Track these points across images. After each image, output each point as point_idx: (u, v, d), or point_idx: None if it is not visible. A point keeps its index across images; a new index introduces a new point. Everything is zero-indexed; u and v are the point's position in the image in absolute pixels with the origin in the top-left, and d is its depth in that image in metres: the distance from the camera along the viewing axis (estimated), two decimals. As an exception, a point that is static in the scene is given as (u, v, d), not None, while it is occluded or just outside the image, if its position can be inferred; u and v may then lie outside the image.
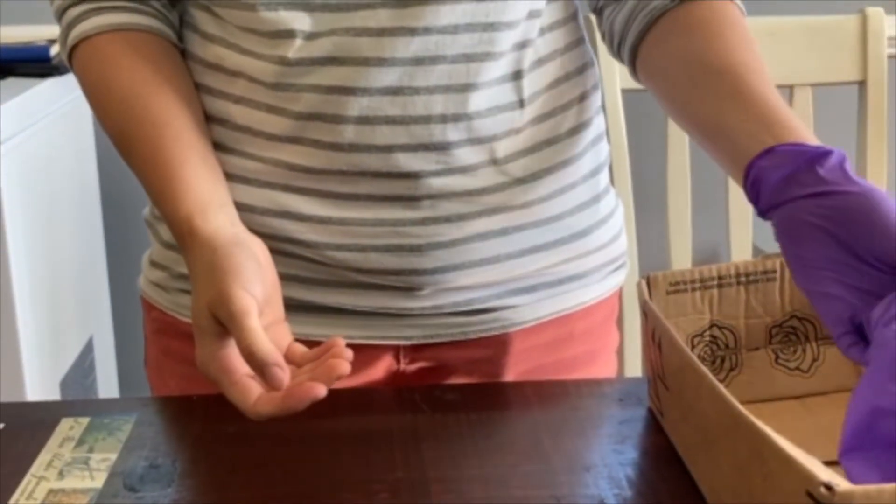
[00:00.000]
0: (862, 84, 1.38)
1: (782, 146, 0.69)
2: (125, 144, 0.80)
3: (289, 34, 0.79)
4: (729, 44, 0.78)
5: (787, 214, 0.68)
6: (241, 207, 0.81)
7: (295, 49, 0.79)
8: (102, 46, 0.82)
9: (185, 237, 0.75)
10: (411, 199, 0.82)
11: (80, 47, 0.83)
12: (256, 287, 0.69)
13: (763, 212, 0.70)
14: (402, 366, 0.89)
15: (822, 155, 0.68)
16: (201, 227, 0.74)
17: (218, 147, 0.83)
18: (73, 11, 0.83)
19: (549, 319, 0.89)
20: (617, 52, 0.87)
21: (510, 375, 0.90)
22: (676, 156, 1.38)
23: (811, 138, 0.71)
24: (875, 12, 1.37)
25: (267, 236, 0.80)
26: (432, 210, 0.82)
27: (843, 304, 0.67)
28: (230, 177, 0.82)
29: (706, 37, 0.79)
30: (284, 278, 0.81)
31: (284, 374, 0.64)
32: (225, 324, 0.67)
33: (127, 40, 0.82)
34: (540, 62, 0.84)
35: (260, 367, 0.64)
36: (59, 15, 0.85)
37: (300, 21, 0.79)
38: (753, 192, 0.70)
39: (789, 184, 0.68)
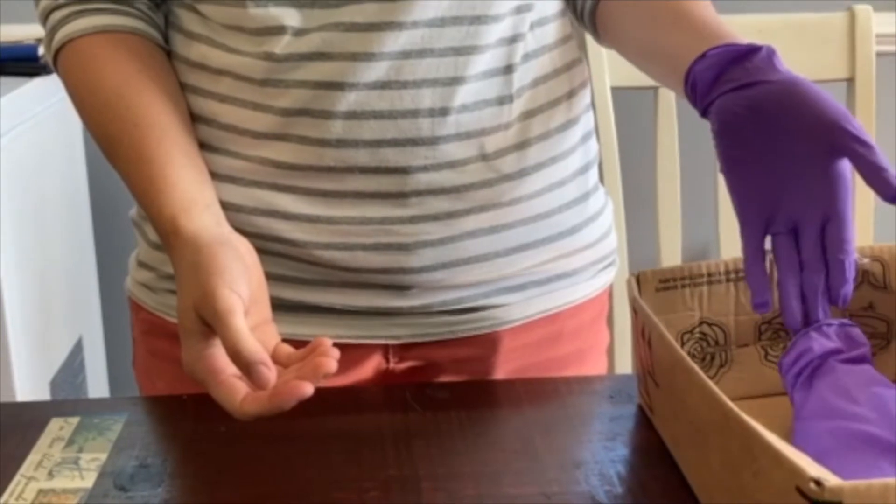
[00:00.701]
0: (850, 81, 1.38)
1: (714, 49, 0.73)
2: (110, 146, 0.80)
3: (278, 30, 0.79)
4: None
5: (718, 108, 0.71)
6: (228, 207, 0.81)
7: (283, 45, 0.79)
8: (86, 49, 0.82)
9: (169, 237, 0.75)
10: (399, 196, 0.81)
11: (64, 50, 0.82)
12: (242, 287, 0.69)
13: (702, 113, 0.73)
14: (391, 365, 0.89)
15: (751, 51, 0.71)
16: (186, 227, 0.74)
17: (204, 147, 0.83)
18: (57, 14, 0.83)
19: (538, 318, 0.89)
20: (580, 20, 0.89)
21: (499, 374, 0.90)
22: (666, 153, 1.38)
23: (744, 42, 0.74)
24: (863, 10, 1.37)
25: (254, 236, 0.80)
26: (420, 207, 0.82)
27: (760, 205, 0.70)
28: (217, 176, 0.82)
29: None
30: (272, 278, 0.81)
31: (271, 373, 0.64)
32: (210, 323, 0.67)
33: (111, 42, 0.82)
34: (528, 57, 0.85)
35: (246, 366, 0.64)
36: (44, 18, 0.84)
37: (289, 17, 0.79)
38: (692, 96, 0.73)
39: (720, 81, 0.72)
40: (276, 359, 0.68)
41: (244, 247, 0.74)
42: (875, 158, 0.67)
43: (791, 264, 0.71)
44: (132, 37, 0.82)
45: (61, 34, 0.82)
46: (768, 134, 0.69)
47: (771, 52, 0.72)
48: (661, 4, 0.81)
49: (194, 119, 0.83)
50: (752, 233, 0.71)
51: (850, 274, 0.69)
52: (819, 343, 0.72)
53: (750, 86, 0.70)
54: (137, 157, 0.78)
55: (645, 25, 0.82)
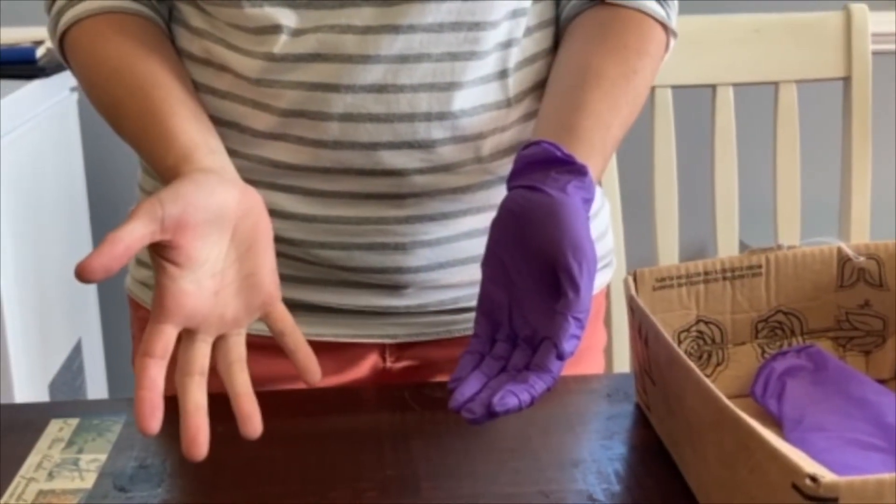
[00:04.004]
0: (846, 80, 1.38)
1: (544, 142, 0.72)
2: (116, 111, 0.79)
3: (274, 29, 0.79)
4: (598, 52, 0.81)
5: (504, 199, 0.71)
6: None
7: (280, 45, 0.79)
8: (92, 27, 0.82)
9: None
10: (396, 197, 0.82)
11: (71, 31, 0.83)
12: (172, 206, 0.65)
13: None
14: (388, 364, 0.89)
15: (562, 161, 0.70)
16: (185, 171, 0.71)
17: None
18: (62, 1, 0.83)
19: (534, 318, 0.89)
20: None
21: (497, 374, 0.90)
22: (662, 153, 1.38)
23: (588, 151, 0.73)
24: (859, 8, 1.38)
25: None
26: (417, 208, 0.82)
27: (493, 312, 0.69)
28: None
29: (585, 40, 0.82)
30: None
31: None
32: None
33: (115, 21, 0.82)
34: (527, 62, 0.85)
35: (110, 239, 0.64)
36: (49, 3, 0.85)
37: (285, 17, 0.79)
38: (510, 175, 0.73)
39: (524, 174, 0.71)
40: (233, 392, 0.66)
41: (241, 191, 0.69)
42: (568, 312, 0.65)
43: (492, 370, 0.68)
44: (136, 17, 0.83)
45: (68, 16, 0.82)
46: (517, 242, 0.69)
47: (580, 171, 0.70)
48: (586, 57, 0.80)
49: None
50: (478, 341, 0.69)
51: (537, 392, 0.65)
52: (780, 363, 0.77)
53: (532, 189, 0.70)
54: (142, 114, 0.77)
55: (559, 68, 0.82)
